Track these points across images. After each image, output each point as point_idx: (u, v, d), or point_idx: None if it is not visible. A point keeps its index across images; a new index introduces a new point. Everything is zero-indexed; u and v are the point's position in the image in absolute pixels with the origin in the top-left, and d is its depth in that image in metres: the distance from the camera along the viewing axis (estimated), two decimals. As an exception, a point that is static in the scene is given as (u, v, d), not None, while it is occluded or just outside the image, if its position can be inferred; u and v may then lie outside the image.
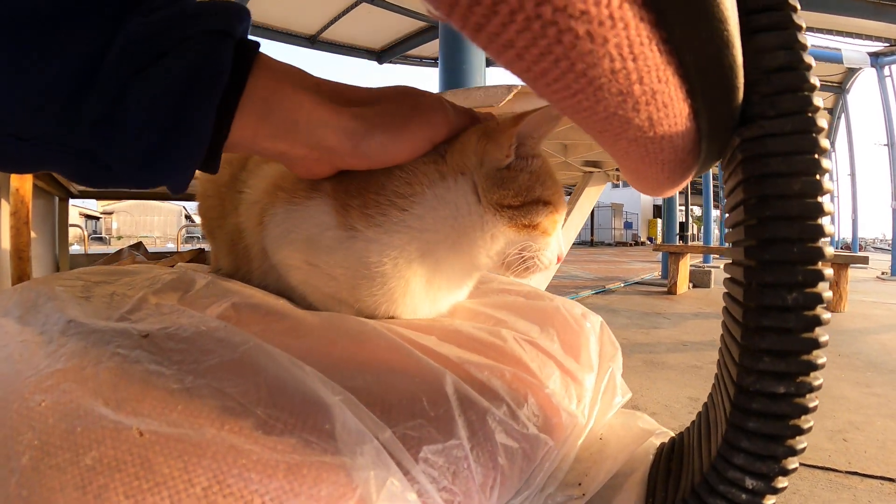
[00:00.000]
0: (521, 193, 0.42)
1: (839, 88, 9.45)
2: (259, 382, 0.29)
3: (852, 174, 12.10)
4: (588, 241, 27.66)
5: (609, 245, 27.29)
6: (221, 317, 0.39)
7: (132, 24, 0.26)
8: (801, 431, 0.27)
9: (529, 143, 0.43)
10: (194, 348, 0.31)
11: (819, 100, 0.27)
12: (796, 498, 1.39)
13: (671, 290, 5.36)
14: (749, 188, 0.28)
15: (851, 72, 8.48)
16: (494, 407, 0.33)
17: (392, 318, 0.46)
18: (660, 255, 7.31)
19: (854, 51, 7.11)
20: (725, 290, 0.35)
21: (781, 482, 0.28)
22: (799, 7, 0.28)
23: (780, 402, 0.27)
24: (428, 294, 0.46)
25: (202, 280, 0.49)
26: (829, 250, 0.27)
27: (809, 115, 0.27)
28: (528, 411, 0.34)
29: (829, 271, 0.27)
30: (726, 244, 0.37)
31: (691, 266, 5.93)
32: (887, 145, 8.03)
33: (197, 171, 0.31)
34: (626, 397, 0.46)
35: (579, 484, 0.36)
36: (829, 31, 6.05)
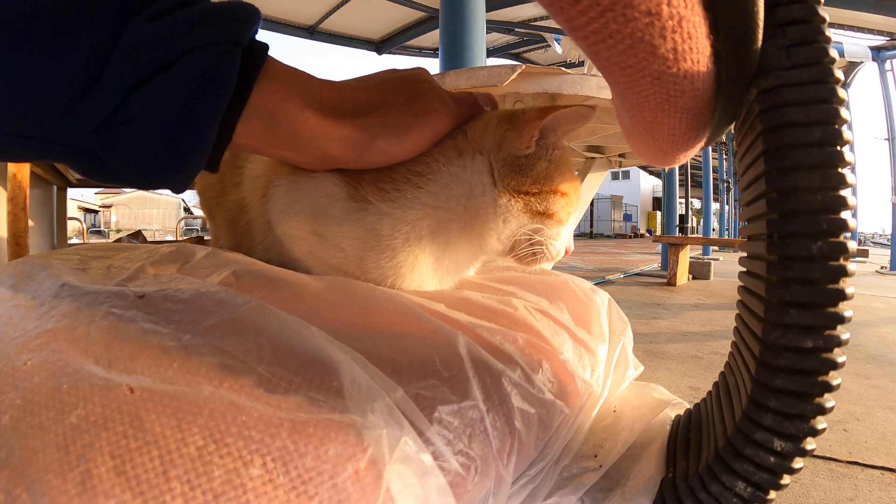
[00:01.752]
0: (539, 182, 0.42)
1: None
2: (261, 341, 0.27)
3: (853, 168, 12.07)
4: (588, 233, 27.72)
5: (608, 237, 27.36)
6: (222, 284, 0.37)
7: (138, 28, 0.26)
8: (829, 388, 0.26)
9: (552, 136, 0.43)
10: (193, 308, 0.29)
11: (834, 52, 0.27)
12: (797, 487, 1.39)
13: (671, 282, 5.37)
14: (768, 138, 0.27)
15: (852, 66, 8.43)
16: (509, 370, 0.31)
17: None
18: (659, 246, 7.31)
19: (855, 44, 7.06)
20: (744, 253, 0.34)
21: (810, 443, 0.26)
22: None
23: (808, 356, 0.26)
24: (436, 272, 0.45)
25: (202, 251, 0.47)
26: (852, 200, 0.26)
27: (826, 64, 0.26)
28: (543, 377, 0.33)
29: (853, 222, 0.26)
30: (741, 208, 0.36)
31: (691, 258, 5.94)
32: (888, 140, 8.01)
33: None
34: (638, 370, 0.45)
35: (595, 455, 0.35)
36: (831, 25, 6.00)
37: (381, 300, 0.35)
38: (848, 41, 6.96)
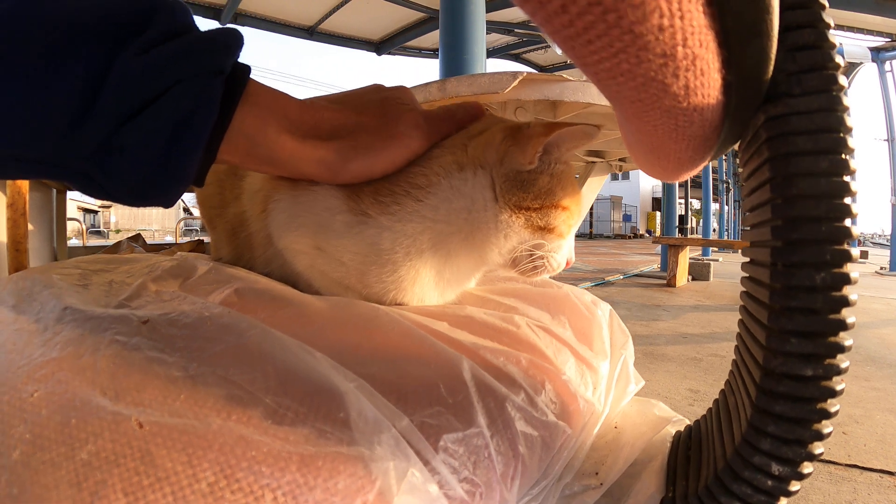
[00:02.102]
0: (541, 197, 0.42)
1: (839, 82, 9.41)
2: (267, 370, 0.27)
3: (856, 198, 12.07)
4: (587, 234, 27.71)
5: (608, 237, 27.36)
6: (224, 303, 0.37)
7: (128, 62, 0.27)
8: (827, 415, 0.26)
9: (555, 152, 0.43)
10: (197, 335, 0.30)
11: (844, 79, 0.27)
12: None
13: (670, 283, 5.37)
14: (775, 166, 0.28)
15: (852, 66, 8.43)
16: (513, 394, 0.32)
17: (399, 304, 0.45)
18: (659, 247, 7.32)
19: (855, 45, 7.06)
20: (746, 274, 0.34)
21: (807, 468, 0.27)
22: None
23: (808, 384, 0.26)
24: (437, 284, 0.45)
25: (204, 266, 0.47)
26: (856, 230, 0.26)
27: (835, 93, 0.26)
28: (546, 398, 0.33)
29: (855, 251, 0.26)
30: (744, 228, 0.37)
31: (690, 259, 5.94)
32: (887, 140, 8.01)
33: None
34: (639, 385, 0.45)
35: (596, 473, 0.35)
36: (830, 25, 6.02)
37: (385, 321, 0.35)
38: (848, 42, 6.96)
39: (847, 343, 0.26)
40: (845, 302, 0.26)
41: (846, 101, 0.27)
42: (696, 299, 4.60)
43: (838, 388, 0.26)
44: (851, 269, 0.26)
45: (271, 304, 0.37)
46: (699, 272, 5.96)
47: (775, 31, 0.24)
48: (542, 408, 0.32)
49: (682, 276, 5.49)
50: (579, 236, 26.01)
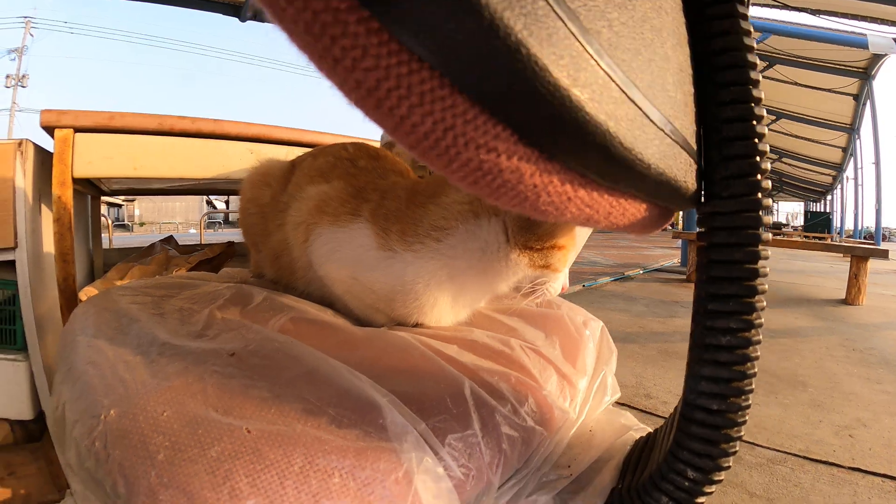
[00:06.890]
0: (544, 238, 0.50)
1: (864, 74, 9.17)
2: (329, 389, 0.38)
3: (877, 162, 11.69)
4: (606, 229, 27.26)
5: (628, 232, 26.78)
6: (282, 330, 0.48)
7: None
8: (731, 439, 0.34)
9: None
10: (274, 364, 0.41)
11: (768, 182, 0.33)
12: (797, 490, 1.37)
13: (690, 278, 5.29)
14: (701, 254, 0.36)
15: (877, 58, 8.22)
16: (501, 405, 0.42)
17: (420, 324, 0.55)
18: (679, 241, 7.20)
19: (879, 37, 6.89)
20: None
21: (718, 476, 0.35)
22: (762, 96, 0.34)
23: (715, 415, 0.34)
24: (452, 309, 0.55)
25: (259, 295, 0.57)
26: (762, 304, 0.34)
27: (757, 196, 0.33)
28: (528, 408, 0.44)
29: (761, 319, 0.33)
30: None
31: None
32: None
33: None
34: (614, 396, 0.55)
35: (568, 466, 0.46)
36: (855, 17, 5.89)
37: (409, 348, 0.46)
38: (872, 33, 6.79)
39: (748, 388, 0.33)
40: (748, 358, 0.33)
41: (767, 201, 0.33)
42: (712, 297, 4.54)
43: (740, 420, 0.34)
44: (755, 335, 0.33)
45: (322, 332, 0.48)
46: (718, 269, 5.86)
47: (690, 183, 0.31)
48: (524, 416, 0.43)
49: (701, 272, 5.43)
50: (600, 231, 25.48)
